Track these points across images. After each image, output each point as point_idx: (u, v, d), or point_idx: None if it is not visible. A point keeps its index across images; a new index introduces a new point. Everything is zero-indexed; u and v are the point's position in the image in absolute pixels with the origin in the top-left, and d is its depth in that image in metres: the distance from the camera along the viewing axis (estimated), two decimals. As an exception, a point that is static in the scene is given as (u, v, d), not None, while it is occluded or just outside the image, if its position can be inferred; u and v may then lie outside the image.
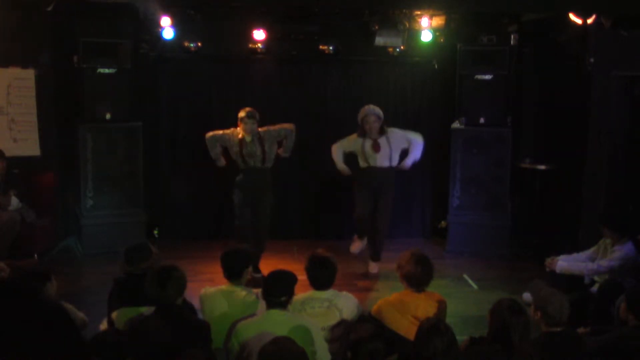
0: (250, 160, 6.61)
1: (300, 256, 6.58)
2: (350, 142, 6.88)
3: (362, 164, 6.83)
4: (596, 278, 5.53)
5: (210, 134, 6.76)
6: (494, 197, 7.75)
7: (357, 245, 7.00)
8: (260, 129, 6.61)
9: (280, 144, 6.79)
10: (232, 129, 6.68)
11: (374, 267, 7.02)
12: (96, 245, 7.41)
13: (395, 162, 6.81)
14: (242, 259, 4.52)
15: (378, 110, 6.70)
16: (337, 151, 6.93)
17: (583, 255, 5.76)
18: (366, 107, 6.75)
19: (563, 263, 5.61)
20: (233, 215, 6.83)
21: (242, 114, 6.54)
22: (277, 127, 6.72)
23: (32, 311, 3.14)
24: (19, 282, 3.84)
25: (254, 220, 6.72)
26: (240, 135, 6.58)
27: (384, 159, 6.74)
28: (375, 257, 7.03)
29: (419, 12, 7.45)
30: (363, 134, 6.74)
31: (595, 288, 5.42)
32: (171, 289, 3.68)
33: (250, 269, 4.57)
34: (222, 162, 6.82)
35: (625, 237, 5.45)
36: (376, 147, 6.69)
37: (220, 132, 6.72)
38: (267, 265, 6.60)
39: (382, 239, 6.99)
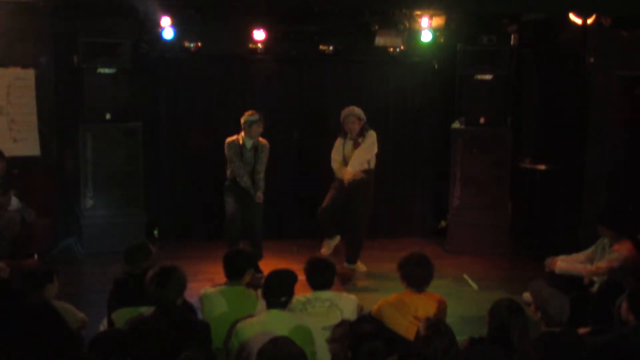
0: (245, 167, 6.58)
1: (300, 256, 6.57)
2: (336, 150, 6.86)
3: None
4: (595, 278, 5.53)
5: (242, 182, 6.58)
6: (494, 197, 7.75)
7: (325, 248, 6.74)
8: (261, 139, 6.61)
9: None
10: (229, 142, 6.59)
11: (360, 267, 6.90)
12: (96, 245, 7.41)
13: (373, 165, 6.77)
14: (244, 260, 4.52)
15: (358, 111, 6.70)
16: (335, 164, 6.87)
17: (582, 255, 5.75)
18: (347, 108, 6.75)
19: (562, 264, 5.62)
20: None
21: (252, 117, 6.44)
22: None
23: (19, 313, 3.15)
24: (8, 283, 3.87)
25: (248, 226, 6.66)
26: (241, 142, 6.55)
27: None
28: (351, 259, 6.84)
29: (419, 12, 7.44)
30: (344, 135, 6.78)
31: (595, 288, 5.42)
32: (171, 289, 3.67)
33: (252, 270, 4.56)
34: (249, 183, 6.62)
35: (624, 236, 5.45)
36: (356, 146, 6.68)
37: (229, 151, 6.60)
38: (267, 265, 6.60)
39: (357, 240, 6.80)
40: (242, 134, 6.57)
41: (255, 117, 6.47)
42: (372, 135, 6.73)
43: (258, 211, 6.70)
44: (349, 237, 6.85)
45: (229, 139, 6.63)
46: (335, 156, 6.86)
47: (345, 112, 6.74)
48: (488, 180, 7.75)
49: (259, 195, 6.64)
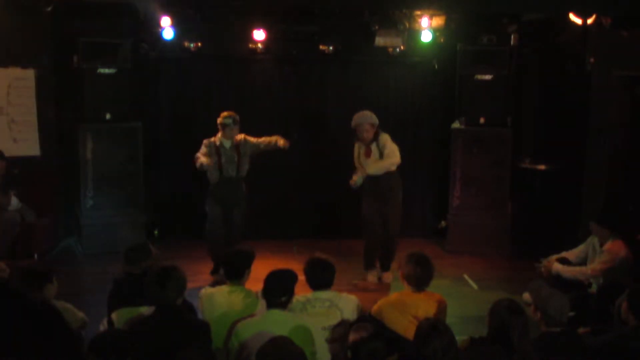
0: (227, 167, 6.48)
1: (300, 256, 6.57)
2: (355, 157, 6.70)
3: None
4: (592, 280, 5.53)
5: (199, 163, 6.35)
6: (494, 197, 7.75)
7: (372, 277, 6.71)
8: (238, 136, 6.50)
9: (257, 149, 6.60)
10: (206, 142, 6.50)
11: (387, 277, 6.77)
12: (96, 245, 7.42)
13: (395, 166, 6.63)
14: (243, 259, 4.52)
15: (370, 116, 6.44)
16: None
17: (574, 256, 5.75)
18: (359, 113, 6.48)
19: (558, 266, 5.62)
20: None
21: (226, 120, 6.36)
22: (260, 140, 6.58)
23: (19, 313, 3.16)
24: (8, 283, 3.87)
25: (227, 231, 6.60)
26: (217, 143, 6.47)
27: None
28: (386, 266, 6.78)
29: (419, 12, 7.44)
30: (359, 140, 6.57)
31: (593, 289, 5.41)
32: (171, 289, 3.67)
33: (251, 269, 4.56)
34: (206, 160, 6.40)
35: (616, 236, 5.44)
36: (367, 153, 6.54)
37: (202, 155, 6.42)
38: (267, 265, 6.60)
39: (393, 247, 6.74)
40: (219, 135, 6.48)
41: (229, 120, 6.37)
42: (387, 140, 6.50)
43: (238, 218, 6.63)
44: (385, 247, 6.75)
45: (207, 140, 6.53)
46: (356, 163, 6.70)
47: (358, 118, 6.45)
48: (488, 180, 7.75)
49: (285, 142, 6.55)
